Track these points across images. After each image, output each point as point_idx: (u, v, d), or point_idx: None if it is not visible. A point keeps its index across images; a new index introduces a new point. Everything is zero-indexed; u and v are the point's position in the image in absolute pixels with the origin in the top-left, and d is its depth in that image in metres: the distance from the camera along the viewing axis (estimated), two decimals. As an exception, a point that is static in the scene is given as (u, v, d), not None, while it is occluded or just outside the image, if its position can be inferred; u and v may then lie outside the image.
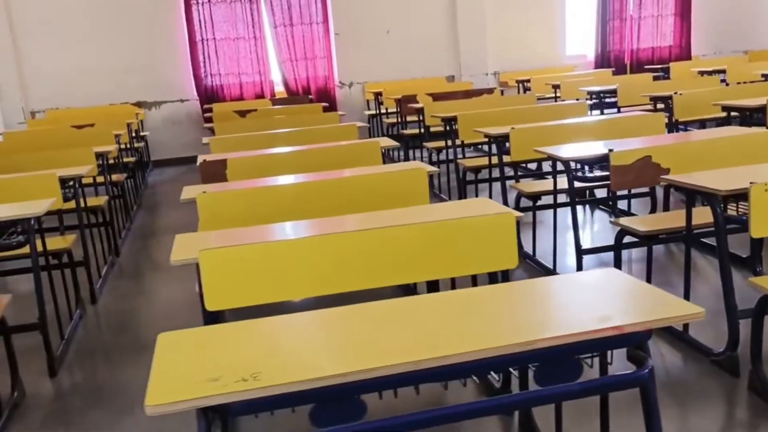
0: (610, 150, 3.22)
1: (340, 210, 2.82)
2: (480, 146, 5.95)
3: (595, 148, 3.53)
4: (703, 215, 2.89)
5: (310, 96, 8.59)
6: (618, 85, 6.29)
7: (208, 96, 8.75)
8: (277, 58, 8.95)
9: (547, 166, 5.24)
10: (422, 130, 6.31)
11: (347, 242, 2.13)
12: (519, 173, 5.33)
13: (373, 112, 8.54)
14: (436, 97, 6.96)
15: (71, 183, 3.96)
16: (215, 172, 3.76)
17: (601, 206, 5.15)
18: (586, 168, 3.54)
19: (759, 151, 3.27)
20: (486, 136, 4.64)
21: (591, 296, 1.58)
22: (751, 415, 2.29)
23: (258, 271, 2.08)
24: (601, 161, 3.36)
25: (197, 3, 8.53)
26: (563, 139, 3.96)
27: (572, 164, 3.44)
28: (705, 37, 9.86)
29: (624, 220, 3.29)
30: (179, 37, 8.69)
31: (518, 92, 8.64)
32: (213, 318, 2.03)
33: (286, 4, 8.74)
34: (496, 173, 4.70)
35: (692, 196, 2.80)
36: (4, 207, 3.12)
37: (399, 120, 7.25)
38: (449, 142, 5.49)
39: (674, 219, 3.23)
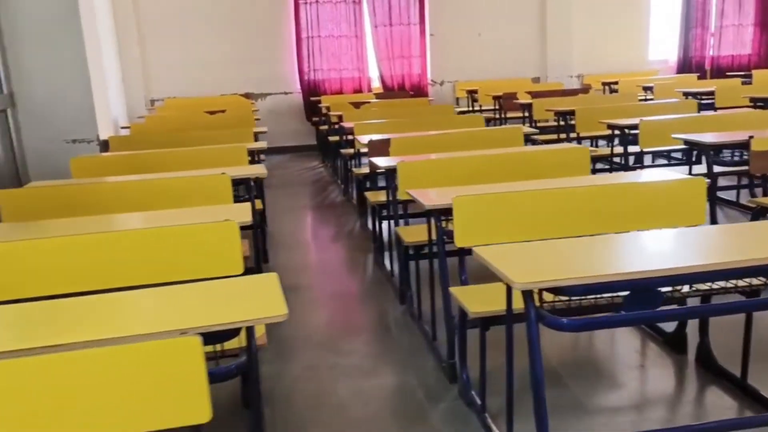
0: (751, 137, 3.67)
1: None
2: (595, 139, 6.39)
3: (730, 136, 3.98)
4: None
5: (411, 92, 9.15)
6: (716, 87, 6.69)
7: (310, 90, 9.36)
8: (375, 55, 9.52)
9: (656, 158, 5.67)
10: (528, 124, 6.78)
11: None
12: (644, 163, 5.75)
13: (465, 108, 9.03)
14: (535, 94, 7.44)
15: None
16: (381, 149, 4.30)
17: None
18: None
19: None
20: (610, 127, 5.12)
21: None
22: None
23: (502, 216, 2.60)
24: (742, 147, 3.81)
25: (305, 2, 9.15)
26: (693, 129, 4.41)
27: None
28: (785, 46, 10.13)
29: None
30: (287, 33, 9.32)
31: (603, 93, 9.05)
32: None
33: (387, 5, 9.31)
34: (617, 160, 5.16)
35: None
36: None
37: (498, 116, 7.74)
38: (562, 135, 5.96)
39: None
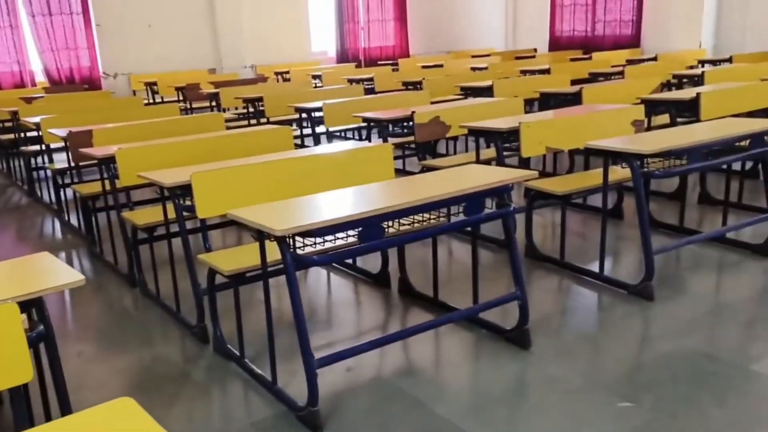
0: (413, 111, 4.53)
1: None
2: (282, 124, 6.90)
3: (398, 113, 4.83)
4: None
5: (85, 86, 8.69)
6: (374, 74, 7.77)
7: (-40, 86, 8.33)
8: (36, 47, 8.82)
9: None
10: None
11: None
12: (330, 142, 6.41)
13: (148, 101, 8.93)
14: (218, 84, 7.76)
15: None
16: (82, 141, 4.25)
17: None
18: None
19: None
20: (298, 110, 5.70)
21: (485, 174, 2.81)
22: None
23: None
24: (406, 120, 4.66)
25: (-57, -13, 8.09)
26: (366, 109, 5.19)
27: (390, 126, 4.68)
28: (420, 38, 11.97)
29: (535, 183, 3.74)
30: None
31: (278, 82, 9.73)
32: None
33: (44, -7, 8.69)
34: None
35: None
36: None
37: (185, 106, 7.87)
38: (253, 121, 6.39)
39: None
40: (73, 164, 4.39)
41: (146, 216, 3.48)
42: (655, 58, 8.70)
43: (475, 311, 2.99)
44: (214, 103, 7.11)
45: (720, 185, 4.53)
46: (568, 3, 11.09)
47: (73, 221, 5.13)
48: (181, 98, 7.97)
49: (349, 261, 3.87)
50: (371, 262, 3.77)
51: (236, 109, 6.65)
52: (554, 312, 3.24)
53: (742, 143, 3.70)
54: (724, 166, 4.28)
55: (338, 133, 6.69)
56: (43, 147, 5.38)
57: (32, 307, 1.77)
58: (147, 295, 3.65)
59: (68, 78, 9.01)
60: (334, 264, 3.92)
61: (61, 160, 5.01)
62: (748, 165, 5.03)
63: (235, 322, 2.84)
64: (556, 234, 4.27)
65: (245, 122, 6.44)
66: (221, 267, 2.69)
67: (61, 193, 5.16)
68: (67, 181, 4.99)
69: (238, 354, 2.83)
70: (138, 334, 3.23)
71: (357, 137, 6.70)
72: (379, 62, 11.10)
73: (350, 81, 7.97)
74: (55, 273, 1.83)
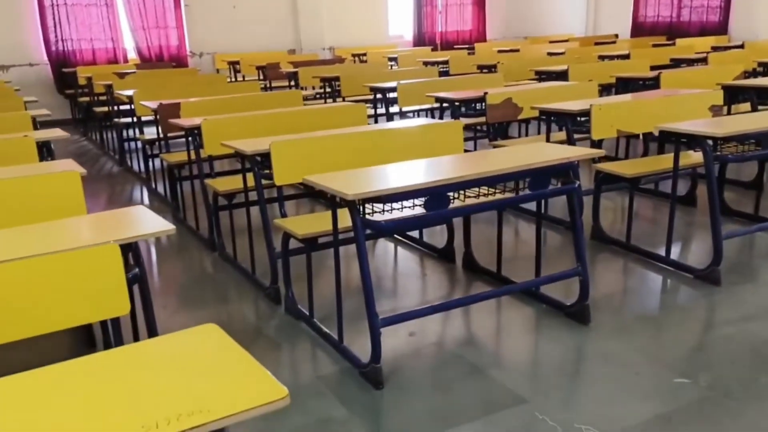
0: (485, 93, 4.59)
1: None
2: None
3: (470, 94, 4.89)
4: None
5: (173, 63, 9.11)
6: (449, 57, 7.83)
7: (59, 61, 8.87)
8: (129, 25, 9.30)
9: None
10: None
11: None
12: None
13: (231, 78, 9.27)
14: (297, 64, 7.99)
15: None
16: (171, 113, 4.51)
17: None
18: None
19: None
20: (373, 90, 5.84)
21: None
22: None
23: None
24: (479, 101, 4.73)
25: (47, -32, 8.62)
26: (439, 90, 5.28)
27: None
28: (497, 23, 11.90)
29: (604, 165, 3.83)
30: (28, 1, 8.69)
31: (354, 63, 9.91)
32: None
33: (138, -26, 9.14)
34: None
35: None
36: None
37: (265, 85, 8.15)
38: (329, 100, 6.58)
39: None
40: (161, 135, 4.66)
41: (227, 183, 3.70)
42: (741, 46, 8.39)
43: (537, 284, 3.07)
44: (292, 82, 7.34)
45: (801, 176, 4.40)
46: (654, -12, 10.78)
47: (160, 190, 5.45)
48: (261, 77, 8.25)
49: (416, 235, 3.99)
50: (437, 237, 3.88)
51: (314, 88, 6.84)
52: (616, 292, 3.27)
53: (825, 131, 3.59)
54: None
55: (411, 114, 6.79)
56: (135, 119, 5.72)
57: (129, 251, 1.97)
58: (225, 258, 3.88)
59: (158, 55, 9.46)
60: (400, 238, 4.05)
61: (150, 133, 5.32)
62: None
63: (306, 285, 3.01)
64: (624, 218, 4.26)
65: (322, 101, 6.64)
66: (296, 231, 2.86)
67: (150, 162, 5.48)
68: (156, 152, 5.30)
69: (308, 314, 3.01)
70: (216, 293, 3.46)
71: (430, 117, 6.79)
72: (455, 46, 11.11)
73: (425, 63, 8.05)
74: (149, 222, 2.03)
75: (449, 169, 2.66)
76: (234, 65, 9.11)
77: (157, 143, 5.20)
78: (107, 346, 2.79)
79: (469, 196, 2.71)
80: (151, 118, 4.88)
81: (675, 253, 3.59)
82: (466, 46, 10.72)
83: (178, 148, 4.71)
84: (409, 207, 2.61)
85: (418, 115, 6.62)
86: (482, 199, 2.78)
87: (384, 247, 4.01)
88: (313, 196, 4.80)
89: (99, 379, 1.18)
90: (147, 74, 7.48)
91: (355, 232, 2.40)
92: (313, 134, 3.33)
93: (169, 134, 4.56)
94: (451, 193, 2.53)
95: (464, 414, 2.29)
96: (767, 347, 2.65)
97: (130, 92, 5.35)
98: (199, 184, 4.00)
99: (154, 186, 5.56)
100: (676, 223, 3.52)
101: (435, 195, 2.45)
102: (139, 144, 5.69)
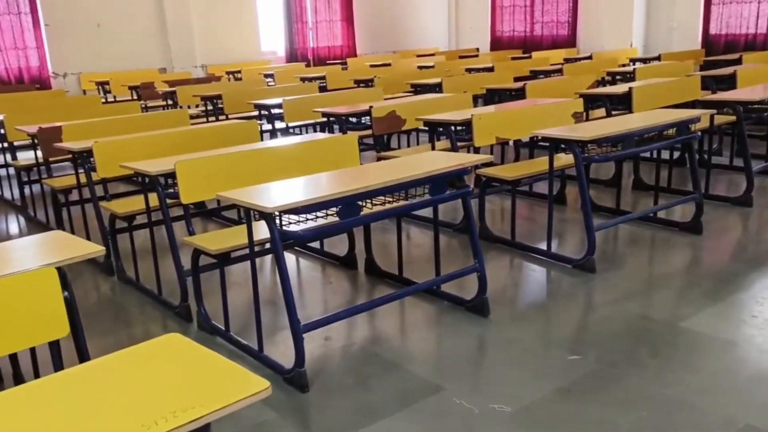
0: (371, 106, 4.82)
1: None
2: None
3: (355, 108, 5.10)
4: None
5: (37, 85, 8.65)
6: (326, 73, 8.02)
7: None
8: (-17, 47, 8.74)
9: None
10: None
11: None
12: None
13: (104, 99, 8.94)
14: (173, 83, 7.88)
15: None
16: (52, 137, 4.38)
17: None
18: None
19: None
20: (257, 107, 5.91)
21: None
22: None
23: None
24: (364, 115, 4.94)
25: None
26: (324, 105, 5.45)
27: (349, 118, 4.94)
28: (367, 38, 12.26)
29: (486, 170, 4.14)
30: None
31: (229, 81, 9.86)
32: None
33: (-9, -8, 8.62)
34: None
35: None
36: None
37: (144, 106, 7.95)
38: (211, 119, 6.56)
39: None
40: (42, 160, 4.49)
41: (126, 205, 3.66)
42: (590, 57, 9.22)
43: (438, 282, 3.30)
44: (169, 102, 7.23)
45: (652, 173, 4.96)
46: (508, 5, 11.60)
47: (40, 216, 5.22)
48: (135, 97, 8.04)
49: (317, 246, 4.13)
50: (338, 247, 4.04)
51: (196, 107, 6.79)
52: (508, 285, 3.58)
53: (669, 132, 4.12)
54: (655, 155, 4.72)
55: (297, 129, 6.92)
56: (5, 145, 5.44)
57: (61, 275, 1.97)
58: (126, 281, 3.82)
59: (17, 78, 8.95)
60: (302, 249, 4.17)
61: (26, 158, 5.09)
62: (677, 155, 5.52)
63: (222, 300, 3.06)
64: (506, 218, 4.63)
65: (205, 119, 6.60)
66: (208, 247, 2.91)
67: (26, 189, 5.24)
68: (34, 177, 5.07)
69: (223, 328, 3.06)
70: (121, 317, 3.42)
71: (318, 132, 6.94)
72: (327, 62, 11.34)
73: (302, 79, 8.19)
74: (76, 246, 2.04)
75: (357, 179, 2.83)
76: (103, 85, 8.81)
77: (36, 169, 4.98)
78: (17, 379, 2.71)
79: (376, 204, 2.90)
80: (25, 142, 4.69)
81: (554, 246, 3.96)
82: (339, 61, 10.99)
83: (61, 172, 4.57)
84: (322, 217, 2.75)
85: (308, 131, 6.76)
86: (387, 206, 2.98)
87: (287, 260, 4.10)
88: (206, 214, 4.81)
89: (88, 388, 1.24)
90: (9, 98, 7.08)
91: (274, 243, 2.51)
92: (216, 152, 3.38)
93: (51, 158, 4.41)
94: (360, 202, 2.70)
95: (388, 406, 2.46)
96: (639, 322, 3.03)
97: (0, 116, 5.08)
98: (92, 208, 3.91)
99: (32, 213, 5.30)
100: (553, 219, 3.89)
101: (348, 204, 2.61)
102: (11, 170, 5.41)
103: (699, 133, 4.68)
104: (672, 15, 9.53)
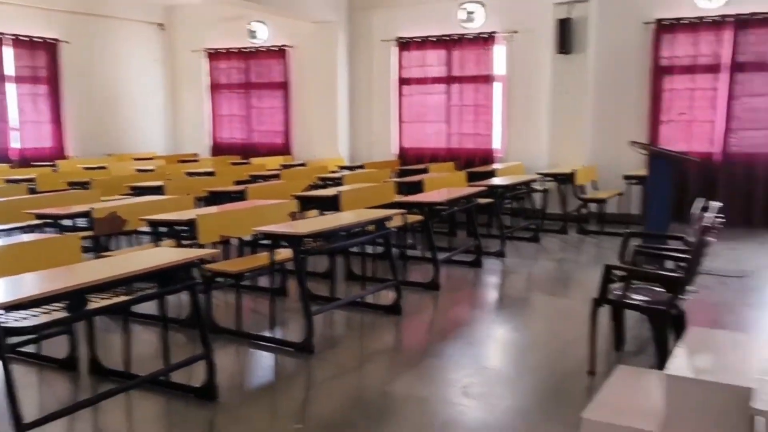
0: (92, 208, 4.81)
1: None
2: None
3: (66, 209, 5.02)
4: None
5: None
6: (36, 175, 7.64)
7: None
8: None
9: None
10: None
11: None
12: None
13: None
14: None
15: None
16: None
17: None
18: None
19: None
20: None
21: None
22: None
23: None
24: (83, 216, 4.89)
25: None
26: (36, 207, 5.25)
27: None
28: (77, 140, 11.84)
29: (212, 266, 4.35)
30: None
31: None
32: None
33: None
34: None
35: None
36: None
37: None
38: None
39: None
40: None
41: None
42: (304, 164, 10.09)
43: (165, 372, 3.40)
44: None
45: (360, 265, 5.63)
46: (227, 114, 12.24)
47: None
48: None
49: (32, 350, 3.92)
50: (57, 349, 3.89)
51: None
52: (236, 371, 3.80)
53: (371, 228, 4.81)
54: (364, 250, 5.39)
55: (5, 233, 6.44)
56: None
57: None
58: None
59: None
60: (14, 355, 3.92)
61: None
62: (380, 250, 6.32)
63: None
64: (231, 310, 4.86)
65: None
66: None
67: None
68: None
69: None
70: None
71: (28, 234, 6.52)
72: (32, 163, 10.68)
73: (8, 181, 7.68)
74: None
75: (85, 274, 2.89)
76: None
77: None
78: None
79: (104, 298, 2.97)
80: None
81: (279, 333, 4.30)
82: (48, 163, 10.42)
83: None
84: (46, 313, 2.75)
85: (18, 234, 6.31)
86: (115, 299, 3.06)
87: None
88: None
89: None
90: None
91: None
92: None
93: None
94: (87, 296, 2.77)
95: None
96: (353, 391, 3.47)
97: None
98: None
99: None
100: (276, 309, 4.25)
101: (74, 298, 2.67)
102: None
103: (394, 229, 5.48)
104: (371, 130, 10.93)
